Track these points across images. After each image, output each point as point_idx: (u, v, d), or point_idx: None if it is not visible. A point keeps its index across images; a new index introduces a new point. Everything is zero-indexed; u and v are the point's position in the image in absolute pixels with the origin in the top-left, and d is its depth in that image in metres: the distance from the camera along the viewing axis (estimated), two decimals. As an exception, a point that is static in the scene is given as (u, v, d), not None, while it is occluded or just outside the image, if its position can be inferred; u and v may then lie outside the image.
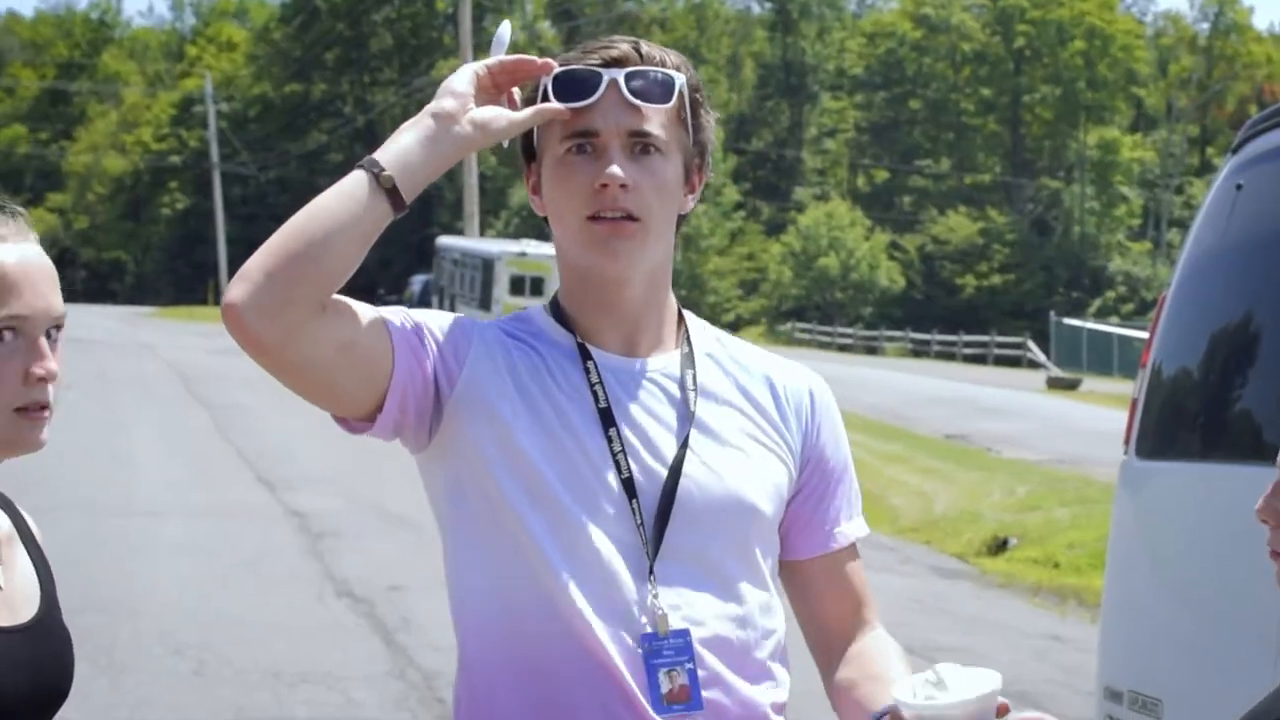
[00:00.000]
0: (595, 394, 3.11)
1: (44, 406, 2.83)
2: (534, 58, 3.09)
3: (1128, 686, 5.11)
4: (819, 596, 3.33)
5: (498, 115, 3.04)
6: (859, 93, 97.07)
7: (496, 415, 3.07)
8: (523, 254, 36.14)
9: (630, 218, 3.05)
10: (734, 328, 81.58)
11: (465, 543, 3.17)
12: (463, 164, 49.10)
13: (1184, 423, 5.36)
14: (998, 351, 65.23)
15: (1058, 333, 64.28)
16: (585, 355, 3.14)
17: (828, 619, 3.33)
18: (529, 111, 3.06)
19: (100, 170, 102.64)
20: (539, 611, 3.06)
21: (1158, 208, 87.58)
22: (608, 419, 3.10)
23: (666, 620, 3.05)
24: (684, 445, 3.12)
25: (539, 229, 67.51)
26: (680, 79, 3.11)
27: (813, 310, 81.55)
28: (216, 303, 70.44)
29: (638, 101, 3.05)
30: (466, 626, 3.17)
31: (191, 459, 22.06)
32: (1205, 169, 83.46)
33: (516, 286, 34.37)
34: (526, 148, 3.17)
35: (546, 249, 39.27)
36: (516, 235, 62.71)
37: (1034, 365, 61.09)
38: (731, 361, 3.27)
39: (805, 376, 3.36)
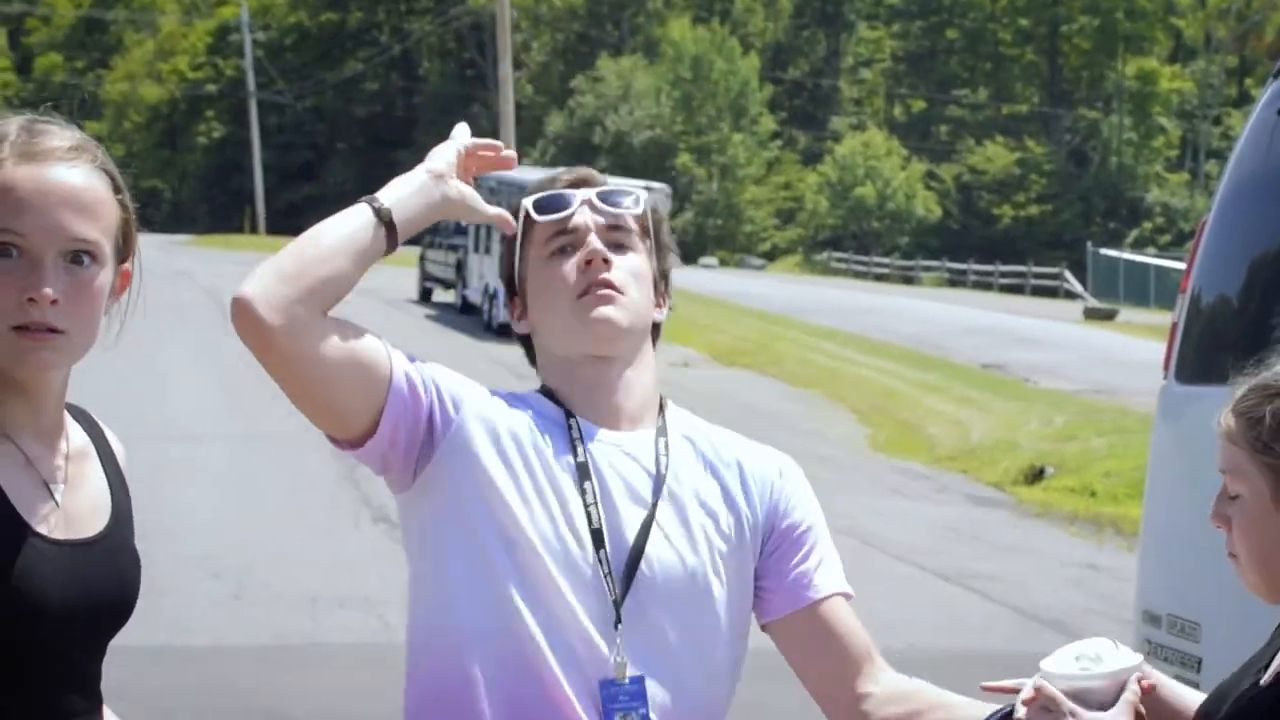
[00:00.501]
0: (574, 449, 3.27)
1: (50, 330, 2.80)
2: (500, 145, 3.39)
3: (1166, 611, 5.11)
4: (805, 652, 3.42)
5: (474, 195, 3.31)
6: (896, 22, 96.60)
7: (481, 462, 3.21)
8: (559, 182, 35.96)
9: (613, 287, 3.25)
10: (770, 257, 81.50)
11: (435, 578, 3.27)
12: (498, 93, 48.99)
13: (1223, 347, 5.34)
14: (1034, 282, 64.99)
15: (1095, 263, 64.04)
16: (569, 416, 3.30)
17: (821, 673, 3.42)
18: (495, 211, 3.33)
19: (137, 99, 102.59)
20: (505, 647, 3.19)
21: (1196, 139, 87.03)
22: (584, 472, 3.25)
23: (625, 667, 3.18)
24: (653, 507, 3.27)
25: (576, 158, 67.41)
26: (645, 195, 3.38)
27: (849, 240, 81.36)
28: (253, 231, 70.13)
29: (608, 207, 3.32)
30: (428, 650, 3.30)
31: (229, 386, 22.09)
32: (1243, 100, 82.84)
33: (553, 215, 34.24)
34: (510, 281, 3.42)
35: (583, 177, 39.07)
36: (553, 164, 62.62)
37: (1071, 296, 60.87)
38: (706, 443, 3.40)
39: (776, 458, 3.49)
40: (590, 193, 3.33)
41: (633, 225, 3.34)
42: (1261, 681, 2.77)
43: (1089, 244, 67.75)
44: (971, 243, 78.51)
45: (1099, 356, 31.51)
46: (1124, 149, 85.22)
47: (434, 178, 3.23)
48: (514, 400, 3.37)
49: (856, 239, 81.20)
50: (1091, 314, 47.11)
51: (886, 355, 31.28)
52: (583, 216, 3.31)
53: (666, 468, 3.32)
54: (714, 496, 3.37)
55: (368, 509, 14.81)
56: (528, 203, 3.35)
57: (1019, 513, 16.97)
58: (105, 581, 2.91)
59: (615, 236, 3.31)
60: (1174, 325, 5.72)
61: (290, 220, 79.76)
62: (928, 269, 72.47)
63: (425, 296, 43.02)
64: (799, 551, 3.43)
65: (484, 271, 36.29)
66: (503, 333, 33.00)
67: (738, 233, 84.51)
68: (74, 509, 2.90)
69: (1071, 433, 20.91)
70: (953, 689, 9.85)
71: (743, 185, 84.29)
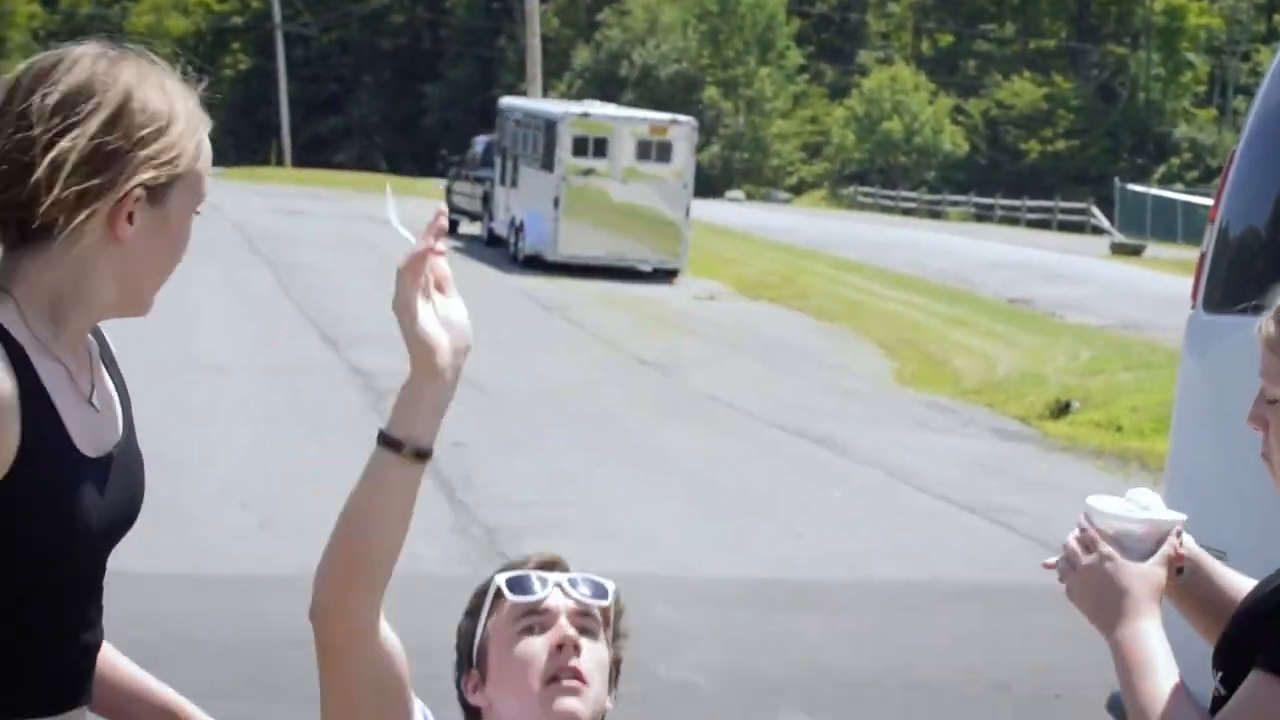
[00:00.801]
0: None
1: None
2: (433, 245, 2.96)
3: (1193, 539, 5.11)
4: None
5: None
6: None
7: None
8: (585, 115, 35.87)
9: (579, 677, 3.23)
10: (797, 191, 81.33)
11: None
12: (524, 26, 48.87)
13: (1251, 278, 5.33)
14: (1061, 217, 64.82)
15: (1122, 199, 63.81)
16: None
17: None
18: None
19: (162, 31, 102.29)
20: None
21: (1224, 74, 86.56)
22: None
23: None
24: None
25: (602, 91, 67.25)
26: (612, 586, 3.38)
27: (875, 174, 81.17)
28: (279, 163, 69.75)
29: (580, 595, 3.30)
30: None
31: (256, 318, 22.16)
32: (1272, 36, 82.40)
33: (579, 148, 34.14)
34: (468, 653, 3.36)
35: (610, 109, 39.08)
36: (579, 97, 62.47)
37: (1098, 231, 60.71)
38: None
39: None
40: (563, 577, 3.33)
41: (598, 615, 3.33)
42: None
43: (1116, 179, 67.46)
44: (999, 178, 78.27)
45: (1125, 292, 31.42)
46: (1152, 85, 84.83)
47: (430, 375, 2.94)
48: None
49: (883, 173, 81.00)
50: (1118, 249, 46.98)
51: (913, 289, 31.21)
52: (556, 600, 3.30)
53: None
54: None
55: (394, 440, 14.83)
56: (500, 579, 3.31)
57: (1045, 447, 16.97)
58: (127, 492, 2.94)
59: (583, 622, 3.30)
60: (1202, 255, 5.71)
61: (315, 154, 79.79)
62: (954, 204, 72.28)
63: (451, 229, 43.06)
64: None
65: (510, 204, 36.32)
66: (530, 265, 33.02)
67: (764, 166, 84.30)
68: (100, 420, 2.93)
69: (1098, 367, 20.88)
70: (978, 620, 9.95)
71: (769, 119, 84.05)
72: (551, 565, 3.40)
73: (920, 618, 10.08)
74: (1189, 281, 6.04)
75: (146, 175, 2.84)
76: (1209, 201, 5.44)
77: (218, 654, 8.54)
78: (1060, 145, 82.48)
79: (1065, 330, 25.18)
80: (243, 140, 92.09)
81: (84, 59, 2.88)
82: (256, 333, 21.10)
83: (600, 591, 3.38)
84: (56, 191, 2.77)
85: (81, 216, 2.78)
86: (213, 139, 3.03)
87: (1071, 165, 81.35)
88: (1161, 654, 2.70)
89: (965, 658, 9.28)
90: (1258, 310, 5.19)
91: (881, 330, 25.43)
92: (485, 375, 18.70)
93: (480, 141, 43.84)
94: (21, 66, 2.89)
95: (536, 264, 33.23)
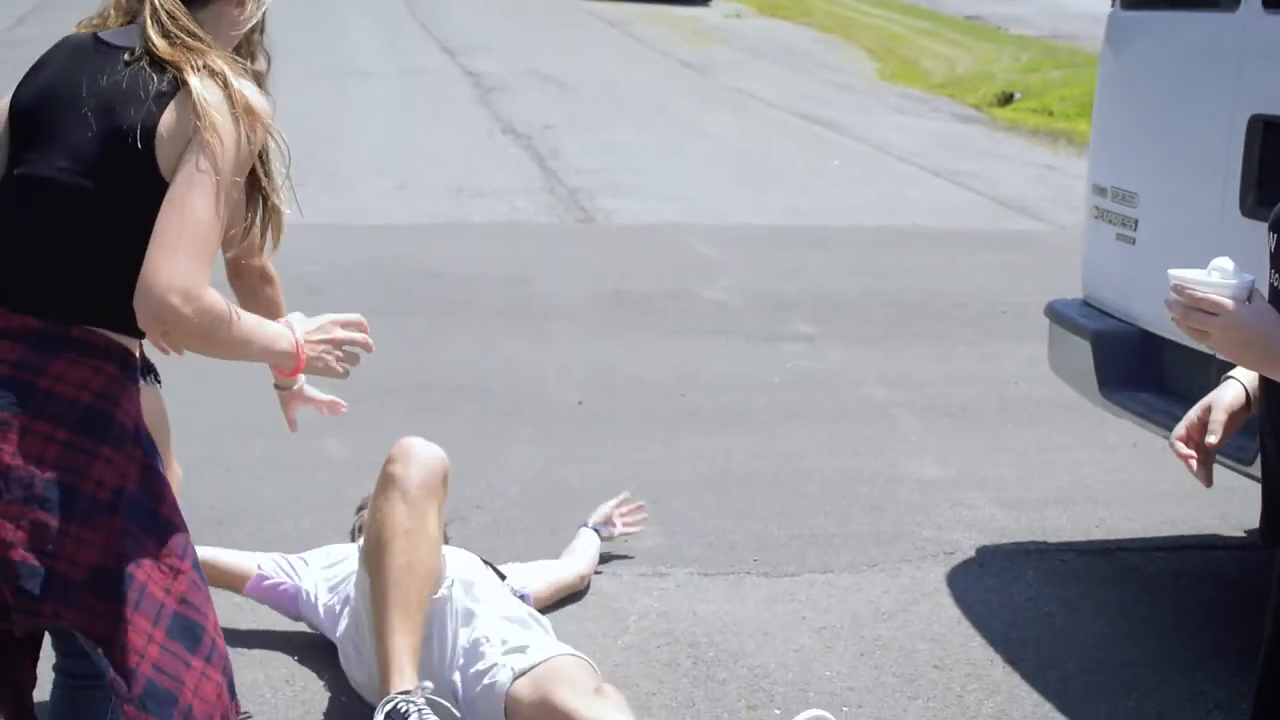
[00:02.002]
0: None
1: None
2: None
3: (1110, 183, 5.01)
4: None
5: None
6: None
7: None
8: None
9: None
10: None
11: None
12: None
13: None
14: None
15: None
16: None
17: None
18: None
19: None
20: None
21: None
22: None
23: None
24: None
25: None
26: None
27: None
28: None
29: None
30: None
31: (391, 35, 21.81)
32: None
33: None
34: None
35: None
36: None
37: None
38: None
39: None
40: None
41: None
42: None
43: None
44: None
45: (1059, 10, 30.69)
46: None
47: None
48: None
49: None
50: (1051, -23, 45.75)
51: (891, 8, 30.50)
52: None
53: None
54: None
55: (498, 123, 14.68)
56: None
57: (993, 128, 16.69)
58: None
59: None
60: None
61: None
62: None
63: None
64: None
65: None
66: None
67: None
68: None
69: (1034, 67, 20.45)
70: (945, 257, 9.78)
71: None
72: None
73: (898, 254, 10.01)
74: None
75: None
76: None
77: (369, 282, 8.54)
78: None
79: (1009, 39, 24.62)
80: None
81: None
82: (391, 46, 20.77)
83: None
84: None
85: None
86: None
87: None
88: None
89: (931, 284, 9.23)
90: (1170, 4, 5.02)
91: (867, 39, 24.92)
92: (565, 75, 18.44)
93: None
94: None
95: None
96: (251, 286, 3.50)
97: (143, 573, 2.46)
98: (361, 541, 3.80)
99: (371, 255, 9.23)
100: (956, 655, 4.36)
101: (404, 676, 3.43)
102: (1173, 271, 2.52)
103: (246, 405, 6.12)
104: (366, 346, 2.86)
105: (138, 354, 2.63)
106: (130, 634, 2.44)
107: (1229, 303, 2.44)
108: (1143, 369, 4.83)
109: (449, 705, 3.54)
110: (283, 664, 4.13)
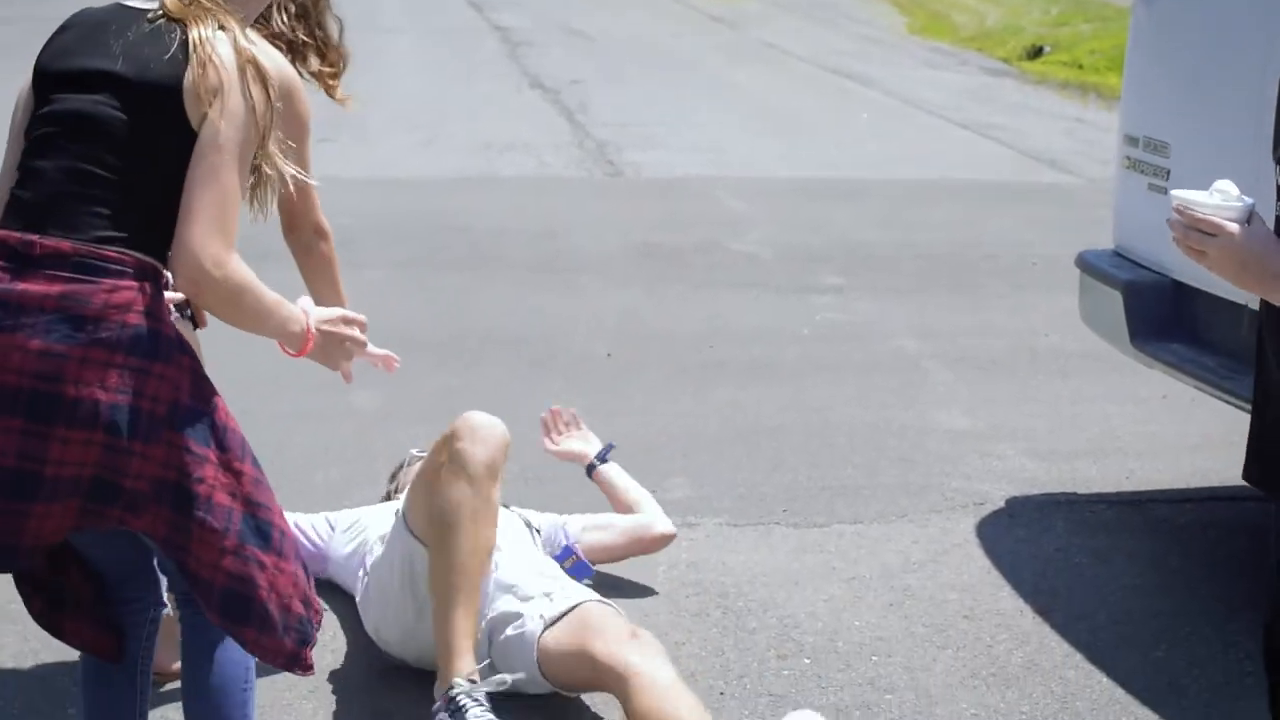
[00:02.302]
0: None
1: None
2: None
3: (1142, 133, 4.96)
4: None
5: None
6: None
7: None
8: None
9: None
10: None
11: None
12: None
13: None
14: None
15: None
16: None
17: None
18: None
19: None
20: None
21: None
22: None
23: None
24: None
25: None
26: None
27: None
28: None
29: None
30: None
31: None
32: None
33: None
34: None
35: None
36: None
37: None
38: None
39: None
40: None
41: None
42: None
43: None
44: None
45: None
46: None
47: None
48: None
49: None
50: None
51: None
52: None
53: None
54: None
55: (526, 78, 14.65)
56: None
57: (1022, 81, 16.57)
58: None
59: None
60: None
61: None
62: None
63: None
64: None
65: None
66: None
67: None
68: None
69: (1064, 20, 20.28)
70: (975, 210, 9.68)
71: None
72: None
73: (927, 207, 9.95)
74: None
75: None
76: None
77: (399, 236, 8.54)
78: None
79: (1040, -8, 24.45)
80: None
81: None
82: (419, 2, 20.72)
83: None
84: None
85: None
86: None
87: None
88: None
89: (962, 236, 9.18)
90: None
91: (897, -7, 24.79)
92: (594, 29, 18.38)
93: None
94: None
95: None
96: (305, 241, 3.50)
97: (205, 484, 2.59)
98: (401, 504, 3.78)
99: (401, 209, 9.21)
100: (986, 606, 4.34)
101: (465, 660, 3.44)
102: (1175, 192, 2.55)
103: (276, 359, 6.12)
104: (360, 345, 3.08)
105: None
106: (202, 545, 2.58)
107: (1228, 224, 2.46)
108: (1174, 319, 4.79)
109: (505, 677, 3.53)
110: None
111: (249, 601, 2.61)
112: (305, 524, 4.25)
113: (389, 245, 8.20)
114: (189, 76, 2.58)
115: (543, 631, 3.56)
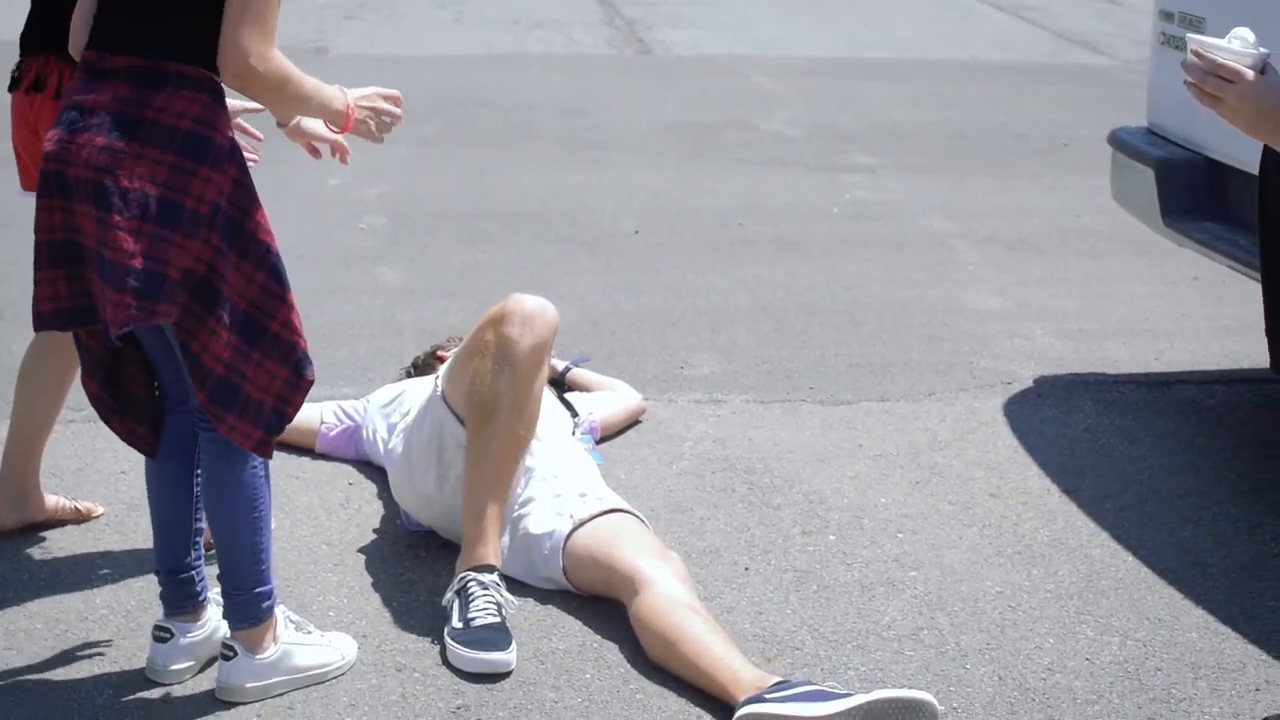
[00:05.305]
0: None
1: None
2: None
3: (1178, 8, 4.84)
4: None
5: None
6: None
7: None
8: None
9: None
10: None
11: None
12: None
13: None
14: None
15: None
16: None
17: None
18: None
19: None
20: None
21: None
22: None
23: None
24: None
25: None
26: None
27: None
28: None
29: None
30: None
31: None
32: None
33: None
34: None
35: None
36: None
37: None
38: None
39: None
40: None
41: None
42: None
43: None
44: None
45: None
46: None
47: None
48: None
49: None
50: None
51: None
52: None
53: None
54: None
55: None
56: None
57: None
58: None
59: None
60: None
61: None
62: None
63: None
64: None
65: None
66: None
67: None
68: None
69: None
70: (1007, 90, 9.52)
71: None
72: None
73: (959, 87, 9.80)
74: None
75: None
76: None
77: (427, 112, 8.44)
78: None
79: None
80: None
81: None
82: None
83: None
84: None
85: None
86: None
87: None
88: None
89: (993, 116, 9.04)
90: None
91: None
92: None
93: None
94: None
95: None
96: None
97: (225, 283, 2.88)
98: (441, 375, 3.70)
99: (429, 85, 9.11)
100: (1013, 484, 4.29)
101: (488, 548, 3.41)
102: (1192, 36, 2.47)
103: (303, 235, 6.07)
104: (397, 119, 3.32)
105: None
106: (208, 334, 2.88)
107: (1247, 71, 2.40)
108: (1207, 198, 4.69)
109: (520, 570, 3.52)
110: (337, 488, 4.11)
111: (236, 391, 2.92)
112: (336, 412, 4.28)
113: (417, 121, 8.11)
114: None
115: (572, 530, 3.51)
